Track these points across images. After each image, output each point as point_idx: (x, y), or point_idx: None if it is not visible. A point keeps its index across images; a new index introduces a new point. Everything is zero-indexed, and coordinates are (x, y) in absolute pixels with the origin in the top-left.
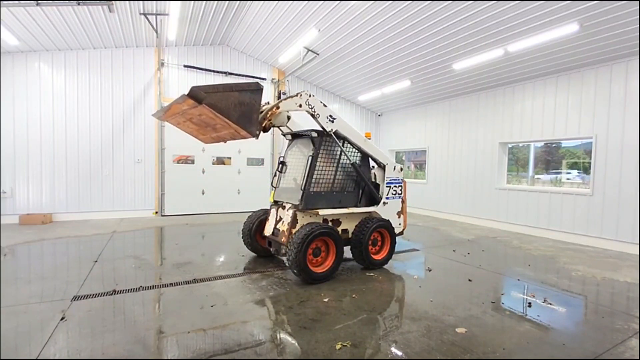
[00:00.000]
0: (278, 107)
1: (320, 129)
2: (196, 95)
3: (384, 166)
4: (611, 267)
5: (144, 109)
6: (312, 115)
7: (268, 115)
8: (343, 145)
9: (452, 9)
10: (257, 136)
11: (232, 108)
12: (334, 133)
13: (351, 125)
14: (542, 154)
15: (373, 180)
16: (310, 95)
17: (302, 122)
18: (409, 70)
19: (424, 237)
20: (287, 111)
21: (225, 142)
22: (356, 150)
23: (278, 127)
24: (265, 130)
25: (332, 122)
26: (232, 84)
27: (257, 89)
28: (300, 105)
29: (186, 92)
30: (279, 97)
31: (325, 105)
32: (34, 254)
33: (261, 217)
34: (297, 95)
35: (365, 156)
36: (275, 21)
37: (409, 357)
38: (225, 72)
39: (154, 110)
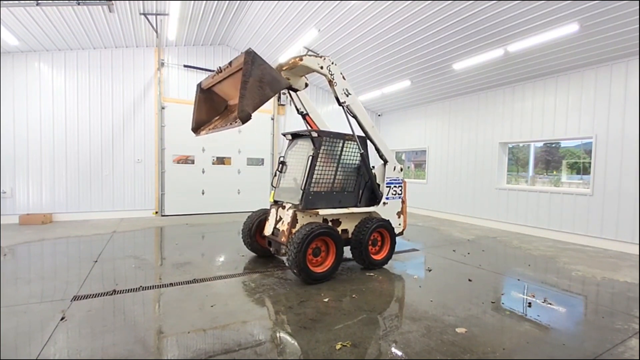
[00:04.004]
0: (301, 59)
1: (335, 98)
2: (246, 115)
3: (386, 161)
4: (611, 267)
5: (144, 109)
6: (330, 82)
7: (290, 63)
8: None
9: (452, 9)
10: (289, 85)
11: (263, 90)
12: (346, 107)
13: (353, 122)
14: (542, 153)
15: None
16: (332, 63)
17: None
18: (409, 70)
19: (424, 237)
20: (306, 74)
21: None
22: (357, 148)
23: (295, 91)
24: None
25: (347, 96)
26: (243, 79)
27: (254, 57)
28: (321, 67)
29: (239, 121)
30: (279, 98)
31: (344, 79)
32: (34, 254)
33: (261, 217)
34: (321, 57)
35: (366, 152)
36: (275, 21)
37: (409, 357)
38: None
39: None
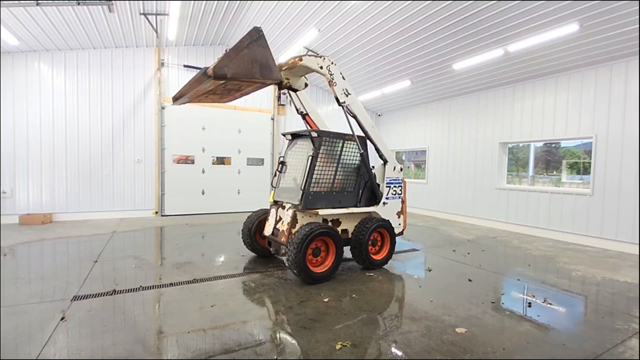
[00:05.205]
0: (301, 59)
1: (335, 98)
2: (222, 73)
3: (386, 160)
4: (611, 267)
5: (144, 109)
6: (329, 82)
7: (290, 63)
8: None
9: (452, 9)
10: (281, 79)
11: (252, 67)
12: (346, 107)
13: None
14: (542, 153)
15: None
16: (332, 63)
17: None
18: (409, 70)
19: (424, 237)
20: (306, 74)
21: (247, 94)
22: (357, 148)
23: (294, 91)
24: (281, 87)
25: (347, 96)
26: (238, 44)
27: (258, 36)
28: (321, 67)
29: (209, 73)
30: (279, 98)
31: (344, 79)
32: (34, 254)
33: (261, 217)
34: (320, 57)
35: (366, 153)
36: (275, 21)
37: (409, 357)
38: None
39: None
